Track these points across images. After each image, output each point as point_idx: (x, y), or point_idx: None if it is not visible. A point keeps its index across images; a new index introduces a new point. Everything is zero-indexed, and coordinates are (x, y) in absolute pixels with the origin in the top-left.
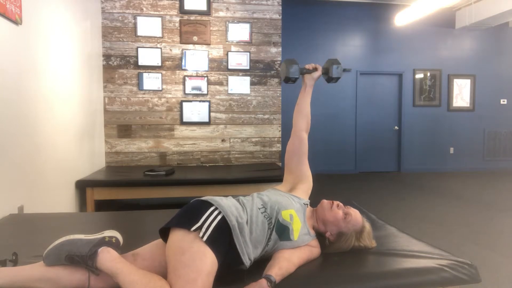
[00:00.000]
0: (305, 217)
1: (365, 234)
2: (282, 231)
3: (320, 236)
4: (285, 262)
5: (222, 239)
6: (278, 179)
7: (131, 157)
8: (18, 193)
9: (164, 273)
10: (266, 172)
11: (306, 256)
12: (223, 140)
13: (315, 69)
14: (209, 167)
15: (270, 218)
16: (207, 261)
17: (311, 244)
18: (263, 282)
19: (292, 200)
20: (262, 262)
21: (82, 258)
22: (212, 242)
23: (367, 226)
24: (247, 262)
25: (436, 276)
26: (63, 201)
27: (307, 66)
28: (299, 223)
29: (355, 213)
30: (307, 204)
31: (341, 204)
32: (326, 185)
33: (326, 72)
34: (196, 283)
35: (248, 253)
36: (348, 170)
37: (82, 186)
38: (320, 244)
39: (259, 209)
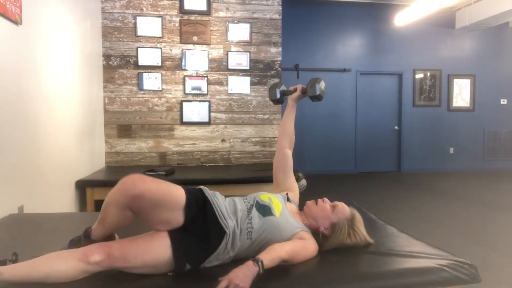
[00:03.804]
0: (286, 203)
1: (357, 221)
2: (262, 209)
3: (316, 235)
4: (274, 249)
5: (196, 197)
6: None
7: (131, 157)
8: (18, 193)
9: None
10: (266, 172)
11: (299, 247)
12: (223, 140)
13: (296, 90)
14: (209, 167)
15: (248, 203)
16: (178, 190)
17: (303, 236)
18: (249, 263)
19: (272, 193)
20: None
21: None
22: (187, 190)
23: (357, 213)
24: (226, 226)
25: (436, 276)
26: (63, 201)
27: (291, 88)
28: (279, 204)
29: (341, 204)
30: (287, 194)
31: (326, 198)
32: (326, 185)
33: (304, 92)
34: (161, 184)
35: (225, 218)
36: (348, 170)
37: (82, 186)
38: (318, 243)
39: (242, 199)
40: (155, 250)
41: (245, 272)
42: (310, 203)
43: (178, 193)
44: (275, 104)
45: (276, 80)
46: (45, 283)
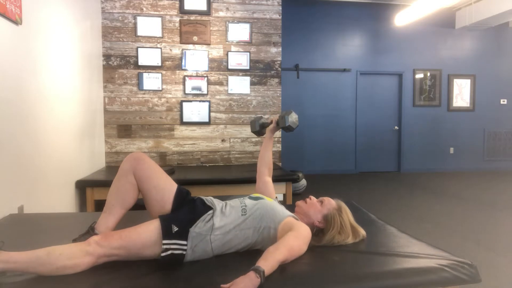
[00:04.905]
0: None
1: (343, 209)
2: (255, 198)
3: (314, 235)
4: (269, 254)
5: (187, 192)
6: (278, 179)
7: None
8: (18, 193)
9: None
10: None
11: (292, 238)
12: (223, 140)
13: (272, 122)
14: (209, 167)
15: (241, 198)
16: (172, 180)
17: (292, 222)
18: (251, 274)
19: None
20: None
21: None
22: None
23: (342, 203)
24: (212, 205)
25: (436, 276)
26: (63, 201)
27: (268, 120)
28: (270, 199)
29: (327, 198)
30: (276, 198)
31: (312, 196)
32: (326, 185)
33: (278, 124)
34: (158, 170)
35: (212, 200)
36: (348, 170)
37: (82, 186)
38: (317, 239)
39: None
40: (147, 226)
41: (247, 284)
42: (300, 203)
43: (171, 181)
44: (256, 135)
45: (276, 80)
46: (47, 261)
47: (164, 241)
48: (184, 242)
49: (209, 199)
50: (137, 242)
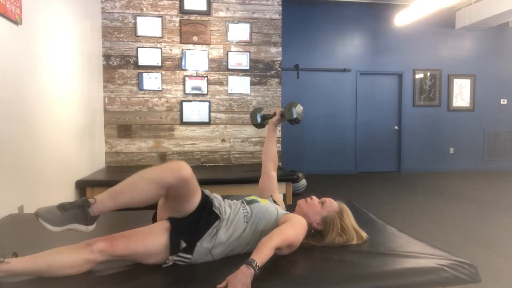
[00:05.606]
0: (272, 203)
1: (345, 212)
2: (250, 202)
3: (312, 237)
4: (262, 244)
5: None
6: (278, 179)
7: (131, 157)
8: (18, 193)
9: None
10: None
11: (287, 228)
12: (223, 140)
13: (275, 115)
14: (209, 167)
15: (238, 201)
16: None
17: (287, 217)
18: (243, 267)
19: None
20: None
21: (74, 204)
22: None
23: (344, 205)
24: (220, 213)
25: (436, 276)
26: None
27: (270, 112)
28: (265, 201)
29: (329, 199)
30: (271, 197)
31: (314, 196)
32: (326, 185)
33: (283, 115)
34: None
35: (220, 206)
36: (348, 170)
37: (82, 186)
38: (317, 240)
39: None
40: (155, 238)
41: (241, 279)
42: (301, 202)
43: (199, 193)
44: (257, 128)
45: (276, 80)
46: (49, 272)
47: (170, 257)
48: (189, 256)
49: (217, 204)
50: (142, 254)
